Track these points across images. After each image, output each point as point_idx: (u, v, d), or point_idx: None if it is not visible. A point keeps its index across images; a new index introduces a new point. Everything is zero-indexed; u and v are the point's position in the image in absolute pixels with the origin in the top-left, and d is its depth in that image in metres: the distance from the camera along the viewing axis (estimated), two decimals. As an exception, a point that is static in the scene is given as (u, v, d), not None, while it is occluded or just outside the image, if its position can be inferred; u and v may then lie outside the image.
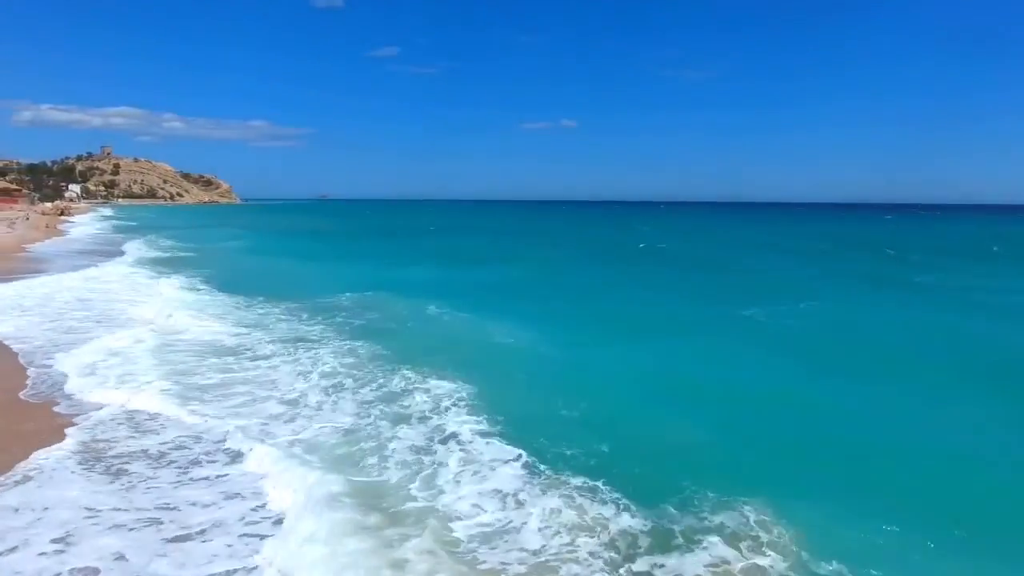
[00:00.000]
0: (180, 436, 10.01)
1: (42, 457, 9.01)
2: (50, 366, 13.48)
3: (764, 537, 7.23)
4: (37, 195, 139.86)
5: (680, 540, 7.21)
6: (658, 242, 60.04)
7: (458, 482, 8.51)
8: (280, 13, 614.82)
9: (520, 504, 7.98)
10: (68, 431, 9.98)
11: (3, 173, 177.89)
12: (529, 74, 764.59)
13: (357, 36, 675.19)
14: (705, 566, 6.79)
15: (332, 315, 19.79)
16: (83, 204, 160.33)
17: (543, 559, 6.89)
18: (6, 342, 15.50)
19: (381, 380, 12.85)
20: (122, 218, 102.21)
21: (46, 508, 7.64)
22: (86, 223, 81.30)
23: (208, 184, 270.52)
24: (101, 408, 11.05)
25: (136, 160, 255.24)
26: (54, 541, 6.99)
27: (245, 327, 17.91)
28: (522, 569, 6.74)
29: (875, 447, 10.30)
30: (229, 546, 7.04)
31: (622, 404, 12.07)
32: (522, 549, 7.06)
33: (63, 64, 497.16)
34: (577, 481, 8.51)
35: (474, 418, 10.76)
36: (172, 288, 25.22)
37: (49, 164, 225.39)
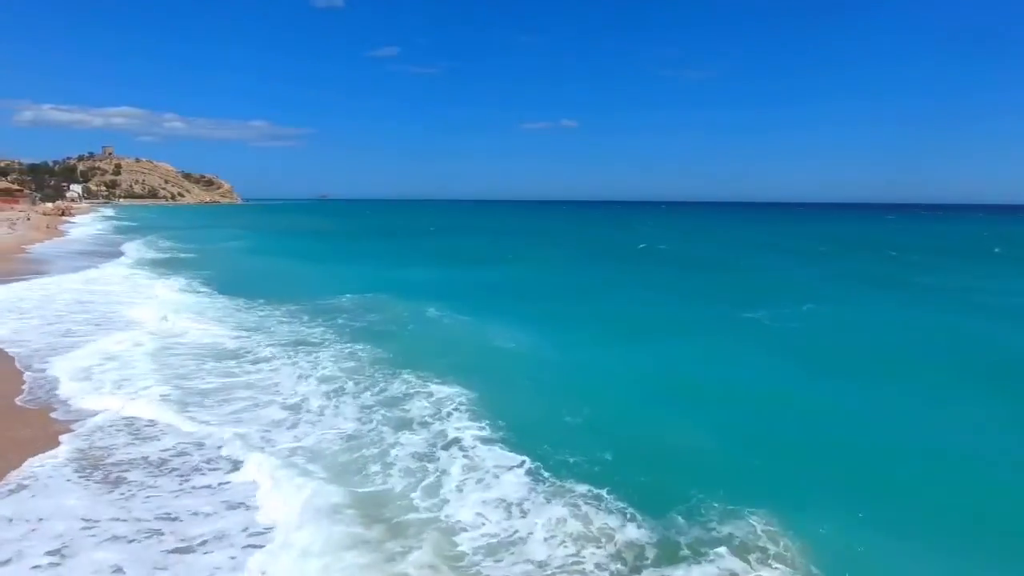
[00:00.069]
0: (179, 443, 9.86)
1: (37, 465, 8.84)
2: (47, 371, 13.29)
3: (772, 549, 7.10)
4: (38, 195, 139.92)
5: (687, 552, 7.08)
6: (659, 242, 59.90)
7: (461, 491, 8.38)
8: (280, 13, 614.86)
9: (524, 513, 7.86)
10: (65, 438, 9.81)
11: (5, 173, 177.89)
12: (529, 74, 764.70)
13: (357, 36, 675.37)
14: (713, 579, 6.67)
15: (333, 317, 19.68)
16: (84, 204, 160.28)
17: (549, 572, 6.76)
18: (2, 346, 15.32)
19: (382, 384, 12.73)
20: (123, 218, 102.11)
21: (41, 519, 7.48)
22: (87, 223, 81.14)
23: (209, 184, 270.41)
24: (98, 414, 10.87)
25: (137, 160, 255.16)
26: (49, 553, 6.82)
27: (246, 330, 17.78)
28: (528, 582, 6.61)
29: (881, 452, 10.20)
30: (232, 558, 6.87)
31: (625, 408, 11.97)
32: (528, 561, 6.92)
33: (64, 64, 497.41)
34: (582, 488, 8.39)
35: (476, 423, 10.63)
36: (169, 290, 25.07)
37: (51, 164, 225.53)
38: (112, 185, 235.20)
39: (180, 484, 8.54)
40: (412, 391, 12.26)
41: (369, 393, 12.24)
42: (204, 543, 7.15)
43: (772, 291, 27.41)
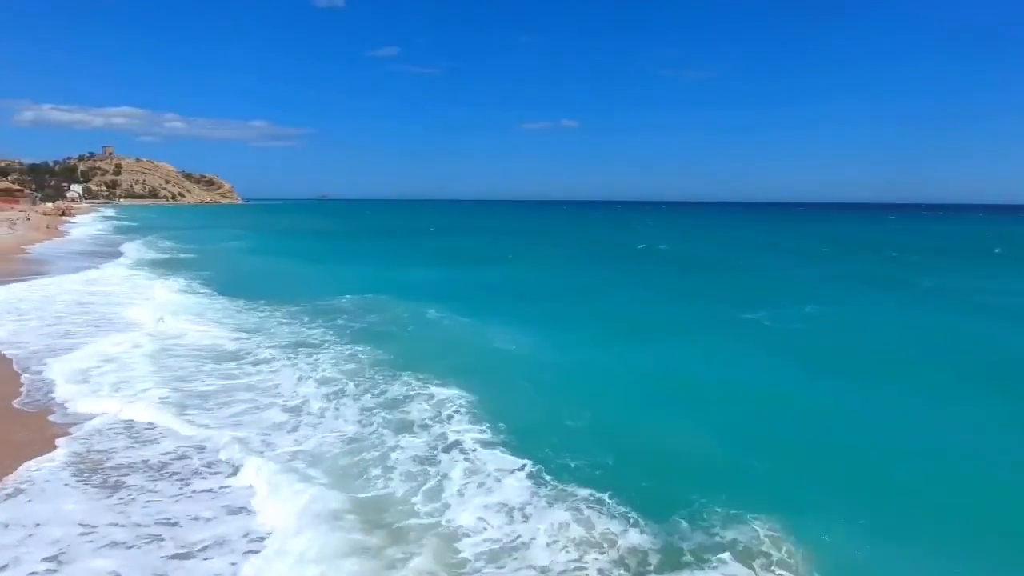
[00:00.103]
0: (179, 447, 9.77)
1: (34, 469, 8.75)
2: (45, 373, 13.19)
3: (775, 555, 7.04)
4: (39, 195, 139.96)
5: (690, 558, 7.01)
6: (659, 242, 59.84)
7: (462, 495, 8.32)
8: (280, 13, 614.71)
9: (526, 518, 7.79)
10: (62, 441, 9.72)
11: (5, 173, 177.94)
12: (529, 74, 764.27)
13: (357, 36, 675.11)
14: (716, 586, 6.61)
15: (333, 318, 19.62)
16: (85, 204, 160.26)
17: (551, 578, 6.69)
18: (0, 348, 15.26)
19: (383, 386, 12.67)
20: (124, 218, 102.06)
21: (38, 524, 7.39)
22: (87, 223, 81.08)
23: (210, 184, 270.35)
24: (97, 417, 10.78)
25: (138, 160, 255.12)
26: (46, 560, 6.74)
27: (246, 331, 17.71)
28: (529, 588, 6.54)
29: (884, 455, 10.15)
30: (233, 564, 6.79)
31: (626, 410, 11.92)
32: (530, 567, 6.86)
33: (64, 64, 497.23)
34: (584, 493, 8.33)
35: (477, 426, 10.58)
36: (168, 291, 24.97)
37: (51, 164, 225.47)
38: (112, 185, 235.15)
39: (180, 488, 8.45)
40: (412, 393, 12.22)
41: (369, 395, 12.18)
42: (204, 548, 7.07)
43: (773, 292, 27.36)
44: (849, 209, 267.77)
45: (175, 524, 7.55)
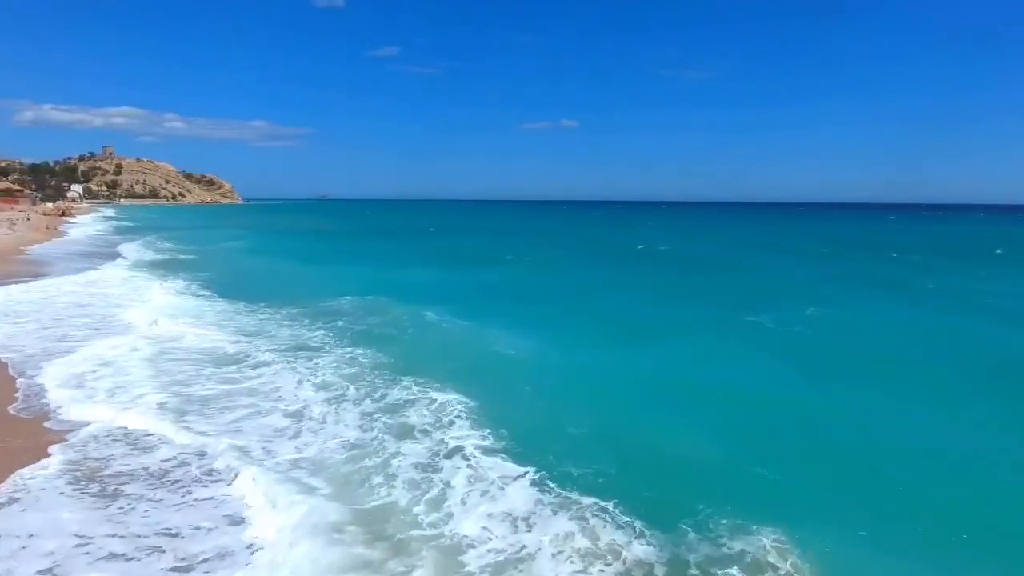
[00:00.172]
0: (177, 454, 9.62)
1: (28, 477, 8.58)
2: (41, 378, 13.01)
3: (782, 568, 6.91)
4: (39, 195, 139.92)
5: (696, 571, 6.88)
6: (659, 243, 59.72)
7: (465, 503, 8.19)
8: (281, 13, 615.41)
9: (530, 527, 7.66)
10: (58, 448, 9.56)
11: (5, 173, 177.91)
12: (529, 74, 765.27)
13: (357, 36, 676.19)
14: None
15: (333, 320, 19.50)
16: (85, 204, 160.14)
17: (556, 591, 6.55)
18: (-3, 351, 15.09)
19: (383, 390, 12.55)
20: (124, 219, 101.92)
21: (31, 535, 7.23)
22: (87, 224, 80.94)
23: (210, 184, 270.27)
24: (94, 424, 10.62)
25: (138, 160, 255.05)
26: (40, 572, 6.60)
27: (246, 334, 17.58)
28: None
29: (891, 462, 10.02)
30: (233, 576, 6.67)
31: (628, 415, 11.80)
32: (535, 579, 6.71)
33: (65, 64, 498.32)
34: (588, 501, 8.20)
35: (479, 432, 10.45)
36: (167, 293, 24.78)
37: (51, 164, 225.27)
38: (113, 185, 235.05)
39: (182, 497, 8.30)
40: (413, 397, 12.10)
41: (370, 400, 12.06)
42: (205, 561, 6.93)
43: (774, 293, 27.24)
44: (849, 209, 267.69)
45: (175, 535, 7.39)
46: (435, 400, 11.89)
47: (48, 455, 9.32)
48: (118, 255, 41.30)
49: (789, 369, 15.11)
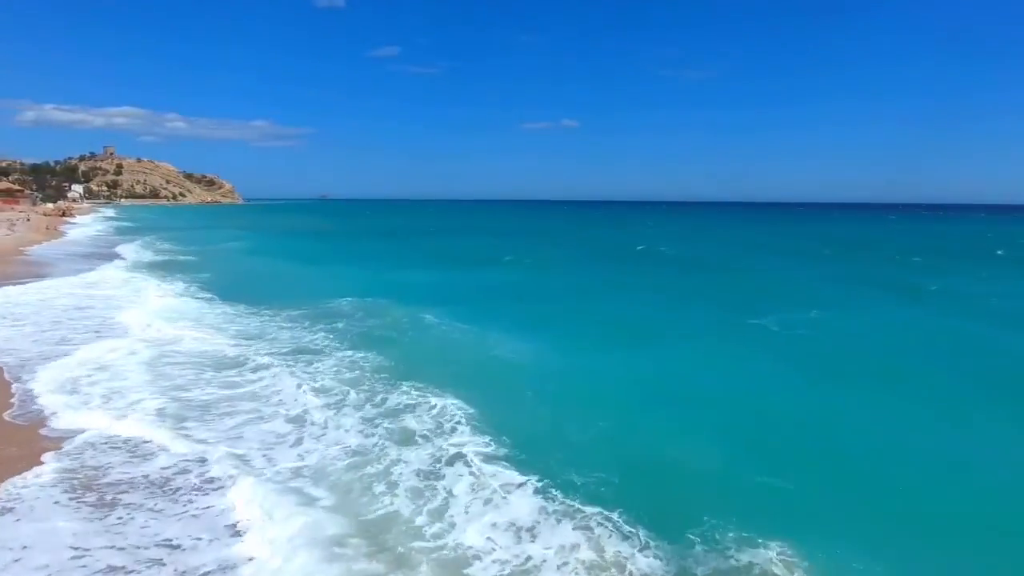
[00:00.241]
0: (177, 462, 9.47)
1: (22, 485, 8.41)
2: (37, 383, 12.80)
3: (791, 580, 6.76)
4: (40, 195, 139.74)
5: (704, 583, 6.74)
6: (659, 243, 59.56)
7: (468, 513, 8.06)
8: (281, 13, 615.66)
9: (535, 538, 7.55)
10: (53, 456, 9.40)
11: (6, 173, 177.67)
12: (530, 74, 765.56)
13: (358, 36, 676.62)
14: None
15: (333, 322, 19.37)
16: (86, 204, 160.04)
17: (561, 604, 6.42)
18: (-7, 355, 14.90)
19: (383, 395, 12.44)
20: (124, 219, 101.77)
21: (25, 547, 7.08)
22: (87, 224, 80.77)
23: (211, 184, 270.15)
24: (91, 431, 10.44)
25: (139, 160, 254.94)
26: (35, 586, 6.48)
27: (246, 337, 17.44)
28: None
29: (897, 469, 9.93)
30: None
31: (631, 421, 11.69)
32: (539, 592, 6.58)
33: (65, 64, 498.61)
34: (592, 510, 8.09)
35: (480, 438, 10.33)
36: (166, 295, 24.63)
37: (52, 164, 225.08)
38: (113, 185, 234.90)
39: (183, 507, 8.16)
40: (413, 402, 11.98)
41: (371, 405, 11.94)
42: (207, 574, 6.78)
43: (776, 295, 27.10)
44: (849, 209, 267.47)
45: (175, 547, 7.24)
46: (435, 405, 11.77)
47: (42, 463, 9.15)
48: (119, 256, 41.14)
49: (793, 373, 14.98)
